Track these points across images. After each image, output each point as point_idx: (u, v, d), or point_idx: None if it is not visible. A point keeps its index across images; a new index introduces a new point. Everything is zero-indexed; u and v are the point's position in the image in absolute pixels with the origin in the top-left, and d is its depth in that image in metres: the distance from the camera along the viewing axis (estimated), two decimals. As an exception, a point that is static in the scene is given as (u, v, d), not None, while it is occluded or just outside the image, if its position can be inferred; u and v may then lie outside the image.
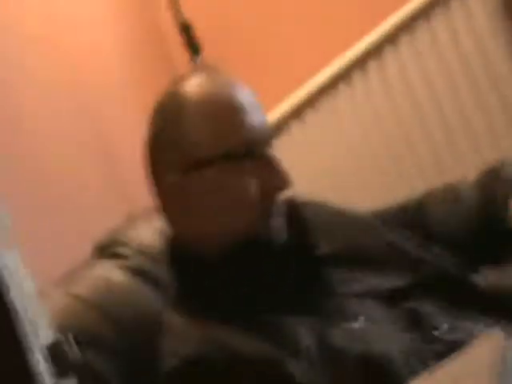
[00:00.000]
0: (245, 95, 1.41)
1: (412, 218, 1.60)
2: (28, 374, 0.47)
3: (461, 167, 2.62)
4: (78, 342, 1.33)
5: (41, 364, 0.47)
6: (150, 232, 1.68)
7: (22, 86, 1.83)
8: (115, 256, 1.61)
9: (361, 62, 2.59)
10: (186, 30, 2.24)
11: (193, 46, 2.24)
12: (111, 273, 1.55)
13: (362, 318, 1.35)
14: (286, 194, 1.42)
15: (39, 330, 0.49)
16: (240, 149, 1.37)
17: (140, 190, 2.02)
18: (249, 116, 1.38)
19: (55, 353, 0.49)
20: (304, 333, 1.30)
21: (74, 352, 0.51)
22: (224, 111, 1.38)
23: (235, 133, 1.37)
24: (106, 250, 1.64)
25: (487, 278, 1.48)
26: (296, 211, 1.45)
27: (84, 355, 1.32)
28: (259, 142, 1.38)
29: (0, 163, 1.63)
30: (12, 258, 0.49)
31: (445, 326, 1.34)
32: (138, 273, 1.58)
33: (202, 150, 1.37)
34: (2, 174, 1.62)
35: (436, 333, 1.33)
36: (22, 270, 0.51)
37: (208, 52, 2.34)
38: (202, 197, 1.38)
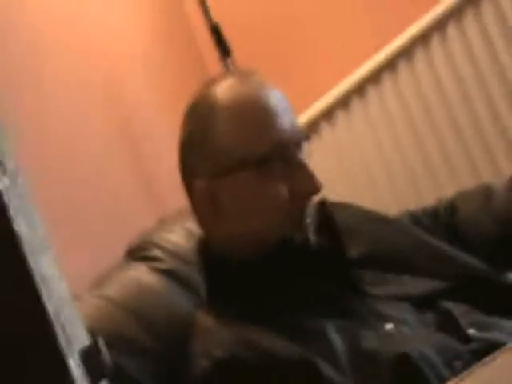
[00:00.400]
0: (276, 98, 1.40)
1: (443, 217, 1.59)
2: (65, 379, 0.47)
3: (492, 170, 2.60)
4: (110, 345, 1.36)
5: (76, 369, 0.48)
6: (182, 234, 1.69)
7: (52, 87, 1.84)
8: (147, 258, 1.61)
9: (391, 64, 2.58)
10: (216, 32, 2.24)
11: (223, 48, 2.24)
12: (143, 275, 1.56)
13: (394, 321, 1.35)
14: (316, 198, 1.41)
15: (74, 335, 0.49)
16: (271, 153, 1.36)
17: (172, 193, 2.03)
18: (279, 120, 1.38)
19: (89, 358, 0.49)
20: (336, 335, 1.30)
21: (106, 356, 0.51)
22: (254, 116, 1.38)
23: (266, 137, 1.37)
24: (138, 252, 1.64)
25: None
26: (327, 214, 1.44)
27: (116, 358, 1.35)
28: (290, 145, 1.38)
29: (30, 167, 1.64)
30: (46, 263, 0.49)
31: (479, 325, 1.33)
32: (169, 275, 1.58)
33: (233, 155, 1.37)
34: (32, 178, 1.63)
35: (471, 331, 1.32)
36: (57, 274, 0.51)
37: (238, 54, 2.34)
38: (232, 201, 1.38)
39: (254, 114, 1.38)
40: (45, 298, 0.47)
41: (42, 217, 0.51)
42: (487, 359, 0.85)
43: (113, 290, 1.50)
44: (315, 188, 1.38)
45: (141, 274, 1.56)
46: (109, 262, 1.63)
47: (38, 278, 0.47)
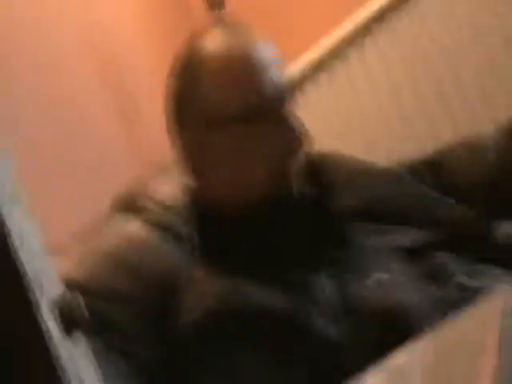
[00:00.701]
0: (264, 52, 1.40)
1: (432, 167, 1.59)
2: (36, 330, 0.47)
3: (491, 116, 2.58)
4: (98, 297, 1.36)
5: (48, 320, 0.47)
6: (172, 186, 1.68)
7: (58, 48, 1.82)
8: (136, 210, 1.61)
9: (387, 11, 2.56)
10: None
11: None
12: (132, 226, 1.55)
13: (386, 271, 1.35)
14: (306, 149, 1.41)
15: (46, 287, 0.48)
16: (256, 108, 1.36)
17: (161, 145, 2.03)
18: (267, 73, 1.38)
19: (62, 308, 0.49)
20: (325, 285, 1.31)
21: (80, 307, 0.50)
22: (240, 70, 1.38)
23: (251, 92, 1.37)
24: (127, 204, 1.64)
25: (505, 230, 1.46)
26: (316, 167, 1.44)
27: (105, 310, 1.35)
28: (276, 101, 1.38)
29: (28, 114, 1.63)
30: (17, 214, 0.49)
31: (471, 274, 1.34)
32: (159, 226, 1.57)
33: (219, 109, 1.38)
34: (29, 127, 1.63)
35: (463, 280, 1.33)
36: (29, 226, 0.50)
37: (229, 2, 2.32)
38: (219, 154, 1.39)
39: (241, 68, 1.38)
40: (16, 248, 0.47)
41: (12, 167, 0.50)
42: (465, 309, 0.86)
43: (103, 240, 1.49)
44: (300, 143, 1.37)
45: (129, 225, 1.56)
46: (96, 213, 1.63)
47: (8, 229, 0.47)
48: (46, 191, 1.62)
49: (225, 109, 1.37)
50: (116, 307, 1.37)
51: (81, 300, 0.52)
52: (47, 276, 0.49)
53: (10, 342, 0.46)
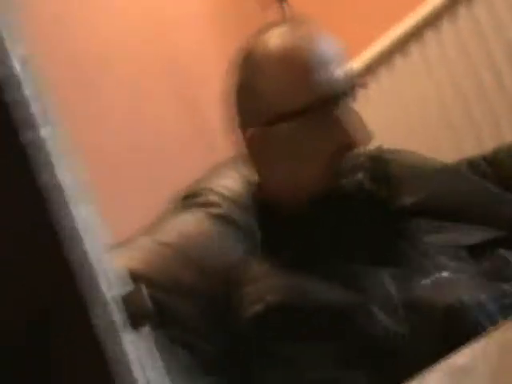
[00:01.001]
0: (327, 47, 1.39)
1: (493, 162, 1.57)
2: (106, 324, 0.48)
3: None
4: (165, 289, 1.38)
5: (115, 315, 0.49)
6: (237, 180, 1.69)
7: (117, 37, 1.84)
8: (202, 204, 1.62)
9: (450, 7, 2.53)
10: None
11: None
12: (198, 220, 1.57)
13: (449, 269, 1.34)
14: (367, 145, 1.40)
15: (115, 281, 0.50)
16: (317, 103, 1.35)
17: (226, 140, 2.04)
18: (328, 69, 1.37)
19: (131, 303, 0.50)
20: (390, 282, 1.30)
21: (147, 302, 0.52)
22: (302, 66, 1.37)
23: (313, 87, 1.36)
24: (193, 198, 1.65)
25: None
26: (379, 162, 1.43)
27: (171, 302, 1.37)
28: (337, 96, 1.37)
29: (90, 114, 1.66)
30: (87, 212, 0.50)
31: None
32: (225, 220, 1.59)
33: (281, 104, 1.37)
34: (92, 126, 1.65)
35: None
36: (97, 222, 0.52)
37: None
38: (280, 149, 1.39)
39: (303, 64, 1.37)
40: (87, 245, 0.48)
41: (84, 167, 0.51)
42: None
43: (167, 234, 1.51)
44: (361, 139, 1.37)
45: (196, 218, 1.57)
46: (163, 207, 1.65)
47: (79, 226, 0.48)
48: (117, 185, 1.65)
49: (286, 103, 1.37)
50: (180, 300, 1.39)
51: (145, 292, 0.53)
52: (113, 270, 0.51)
53: (81, 337, 0.47)
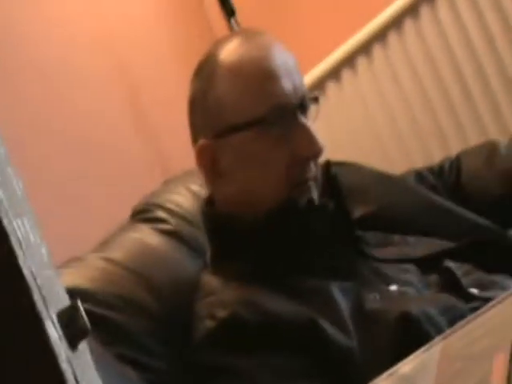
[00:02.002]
0: (280, 59, 1.38)
1: (448, 176, 1.59)
2: (41, 341, 0.47)
3: (499, 127, 2.58)
4: (113, 306, 1.36)
5: (53, 331, 0.48)
6: (187, 195, 1.69)
7: (69, 54, 1.83)
8: (152, 220, 1.62)
9: (397, 22, 2.56)
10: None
11: (227, 7, 2.23)
12: (147, 236, 1.56)
13: (398, 282, 1.35)
14: (321, 159, 1.41)
15: (52, 298, 0.49)
16: (270, 115, 1.35)
17: (178, 154, 2.03)
18: (281, 81, 1.36)
19: (68, 320, 0.49)
20: (340, 296, 1.30)
21: (85, 319, 0.51)
22: (254, 77, 1.37)
23: (265, 99, 1.36)
24: (143, 214, 1.65)
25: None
26: (331, 175, 1.44)
27: (119, 319, 1.36)
28: (290, 108, 1.36)
29: (37, 124, 1.64)
30: (24, 227, 0.49)
31: (481, 284, 1.33)
32: (174, 236, 1.58)
33: (232, 116, 1.37)
34: (42, 140, 1.63)
35: (473, 290, 1.32)
36: (36, 238, 0.51)
37: (244, 13, 2.32)
38: (232, 162, 1.38)
39: (255, 75, 1.37)
40: (20, 260, 0.47)
41: (19, 181, 0.51)
42: (470, 317, 0.86)
43: (117, 251, 1.50)
44: (315, 152, 1.37)
45: (145, 235, 1.57)
46: (114, 223, 1.64)
47: (13, 241, 0.47)
48: (66, 201, 1.64)
49: (237, 115, 1.36)
50: (128, 317, 1.38)
51: (82, 308, 0.52)
52: (54, 286, 0.50)
53: (15, 354, 0.46)
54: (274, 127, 1.35)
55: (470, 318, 0.86)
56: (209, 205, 1.46)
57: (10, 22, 1.65)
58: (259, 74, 1.37)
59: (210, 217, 1.46)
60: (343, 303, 1.30)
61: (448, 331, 0.87)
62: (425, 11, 2.57)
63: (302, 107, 1.38)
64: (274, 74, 1.36)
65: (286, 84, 1.36)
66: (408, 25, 2.57)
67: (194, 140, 1.42)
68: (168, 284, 1.47)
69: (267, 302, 1.30)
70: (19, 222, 0.49)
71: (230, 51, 1.40)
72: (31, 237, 0.50)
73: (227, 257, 1.42)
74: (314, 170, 1.38)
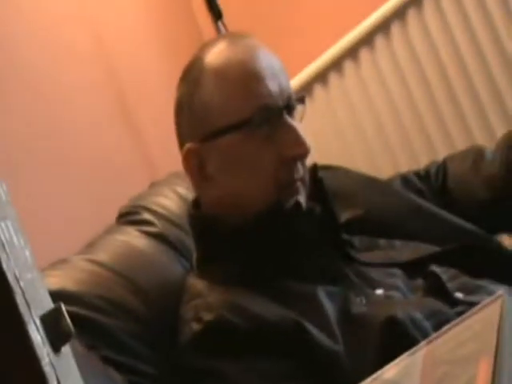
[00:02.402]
0: (265, 61, 1.38)
1: (434, 180, 1.59)
2: (24, 344, 0.47)
3: (485, 132, 2.59)
4: (99, 309, 1.36)
5: (36, 334, 0.48)
6: (173, 198, 1.69)
7: (56, 60, 1.82)
8: (138, 222, 1.61)
9: (384, 26, 2.57)
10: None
11: (214, 10, 2.23)
12: (133, 239, 1.56)
13: (384, 286, 1.35)
14: (308, 162, 1.40)
15: (35, 301, 0.49)
16: (256, 117, 1.35)
17: (163, 157, 2.03)
18: (266, 83, 1.36)
19: (50, 323, 0.49)
20: (326, 299, 1.30)
21: (68, 322, 0.51)
22: (239, 79, 1.37)
23: (250, 101, 1.35)
24: (129, 216, 1.64)
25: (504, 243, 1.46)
26: (317, 178, 1.44)
27: (105, 321, 1.35)
28: (276, 109, 1.36)
29: (26, 131, 1.64)
30: (7, 229, 0.49)
31: (466, 289, 1.34)
32: (160, 238, 1.58)
33: (218, 118, 1.37)
34: (29, 147, 1.63)
35: (458, 295, 1.33)
36: (20, 240, 0.51)
37: (231, 16, 2.33)
38: (219, 165, 1.38)
39: (240, 77, 1.37)
40: (4, 264, 0.47)
41: (5, 183, 0.50)
42: (455, 321, 0.86)
43: (103, 253, 1.49)
44: (302, 151, 1.37)
45: (131, 237, 1.56)
46: (100, 225, 1.63)
47: (-4, 244, 0.47)
48: (53, 203, 1.63)
49: (219, 119, 1.36)
50: (114, 319, 1.37)
51: (65, 311, 0.52)
52: (38, 289, 0.49)
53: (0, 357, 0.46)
54: (261, 128, 1.35)
55: (454, 322, 0.87)
56: (195, 207, 1.46)
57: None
58: (245, 76, 1.37)
59: (197, 219, 1.46)
60: (330, 307, 1.30)
61: (433, 335, 0.87)
62: (411, 15, 2.58)
63: (288, 108, 1.38)
64: (259, 76, 1.36)
65: (272, 85, 1.36)
66: (395, 29, 2.58)
67: (181, 144, 1.42)
68: (154, 286, 1.46)
69: (254, 306, 1.30)
70: (3, 225, 0.49)
71: (216, 54, 1.40)
72: (15, 240, 0.50)
73: (213, 259, 1.41)
74: (301, 170, 1.38)
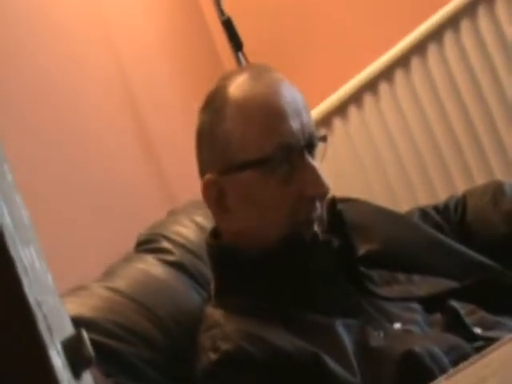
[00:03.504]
0: (288, 98, 1.37)
1: (453, 215, 1.59)
2: (45, 369, 0.47)
3: (504, 167, 2.58)
4: (116, 336, 1.36)
5: (58, 359, 0.48)
6: (192, 227, 1.69)
7: (77, 85, 1.84)
8: (156, 250, 1.62)
9: (403, 60, 2.58)
10: (228, 26, 2.24)
11: (235, 41, 2.24)
12: (152, 267, 1.56)
13: (402, 320, 1.34)
14: (325, 199, 1.40)
15: (57, 326, 0.49)
16: (276, 154, 1.34)
17: (182, 185, 2.03)
18: (288, 120, 1.35)
19: (72, 349, 0.49)
20: (344, 332, 1.29)
21: (89, 348, 0.51)
22: (262, 115, 1.36)
23: (272, 138, 1.35)
24: (147, 244, 1.65)
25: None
26: (336, 212, 1.43)
27: (122, 349, 1.35)
28: (297, 147, 1.36)
29: (44, 155, 1.65)
30: (30, 254, 0.49)
31: (485, 324, 1.33)
32: (178, 267, 1.58)
33: (238, 153, 1.36)
34: (50, 173, 1.64)
35: (477, 330, 1.32)
36: (41, 265, 0.51)
37: (252, 47, 2.34)
38: (237, 198, 1.38)
39: (262, 112, 1.36)
40: (26, 288, 0.47)
41: (26, 212, 0.51)
42: (475, 357, 0.85)
43: (121, 281, 1.49)
44: (321, 192, 1.36)
45: (149, 265, 1.56)
46: (119, 253, 1.64)
47: (20, 269, 0.47)
48: (72, 231, 1.64)
49: (240, 154, 1.36)
50: (130, 347, 1.37)
51: (86, 337, 0.52)
52: (59, 314, 0.50)
53: (19, 382, 0.46)
54: (281, 167, 1.35)
55: (474, 358, 0.86)
56: (214, 237, 1.46)
57: (20, 54, 1.66)
58: (267, 113, 1.36)
59: (215, 249, 1.46)
60: (347, 340, 1.29)
61: (452, 371, 0.86)
62: (432, 50, 2.59)
63: (310, 146, 1.37)
64: (282, 113, 1.36)
65: (294, 123, 1.36)
66: (415, 62, 2.59)
67: (201, 173, 1.42)
68: (171, 314, 1.46)
69: (271, 336, 1.29)
70: (25, 250, 0.49)
71: (240, 87, 1.39)
72: (37, 264, 0.50)
73: (230, 290, 1.41)
74: (319, 209, 1.37)
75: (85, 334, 0.51)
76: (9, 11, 1.65)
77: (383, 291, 1.40)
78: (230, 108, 1.38)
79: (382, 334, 1.31)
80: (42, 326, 0.47)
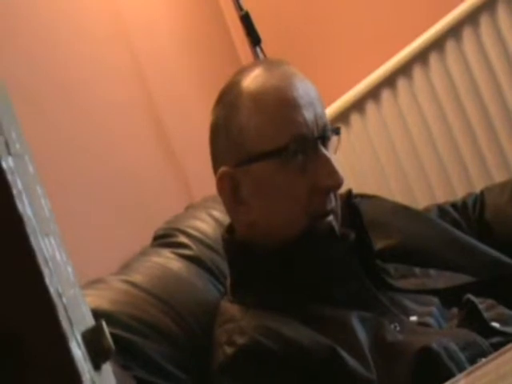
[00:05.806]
0: (302, 90, 1.38)
1: (471, 212, 1.58)
2: (66, 360, 0.48)
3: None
4: (133, 330, 1.36)
5: (78, 350, 0.48)
6: (209, 221, 1.69)
7: (95, 81, 1.84)
8: (173, 245, 1.62)
9: (422, 55, 2.57)
10: (246, 20, 2.24)
11: (253, 36, 2.24)
12: (169, 261, 1.57)
13: (418, 314, 1.34)
14: (342, 190, 1.40)
15: (77, 317, 0.49)
16: (290, 146, 1.35)
17: (200, 180, 2.03)
18: (302, 112, 1.36)
19: (92, 340, 0.49)
20: (359, 326, 1.30)
21: (109, 339, 0.51)
22: (276, 107, 1.37)
23: (286, 130, 1.35)
24: (165, 238, 1.65)
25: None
26: (353, 206, 1.43)
27: (139, 342, 1.36)
28: (311, 139, 1.36)
29: (65, 151, 1.65)
30: (50, 245, 0.50)
31: (503, 319, 1.33)
32: (195, 261, 1.59)
33: (253, 145, 1.37)
34: (70, 168, 1.64)
35: (494, 325, 1.31)
36: (62, 256, 0.51)
37: (268, 42, 2.34)
38: (252, 190, 1.38)
39: (277, 104, 1.37)
40: (47, 279, 0.48)
41: (47, 204, 0.51)
42: (495, 354, 0.85)
43: (138, 274, 1.50)
44: (335, 183, 1.36)
45: (166, 260, 1.57)
46: (136, 247, 1.64)
47: (40, 259, 0.48)
48: (89, 225, 1.64)
49: (254, 145, 1.37)
50: (147, 340, 1.38)
51: (106, 330, 0.52)
52: (79, 306, 0.50)
53: (39, 373, 0.46)
54: (295, 157, 1.35)
55: (494, 355, 0.85)
56: (229, 232, 1.46)
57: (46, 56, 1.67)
58: (281, 104, 1.37)
59: (231, 244, 1.46)
60: (362, 334, 1.29)
61: (472, 368, 0.86)
62: (450, 45, 2.58)
63: (323, 138, 1.38)
64: (295, 104, 1.36)
65: (308, 114, 1.36)
66: (433, 58, 2.58)
67: (216, 166, 1.42)
68: (188, 309, 1.47)
69: (287, 330, 1.29)
70: (46, 241, 0.49)
71: (254, 79, 1.40)
72: (57, 255, 0.50)
73: (246, 284, 1.41)
74: (333, 201, 1.38)
75: (105, 326, 0.52)
76: (30, 10, 1.66)
77: (399, 283, 1.40)
78: (244, 101, 1.38)
79: (398, 327, 1.31)
80: (62, 317, 0.47)
